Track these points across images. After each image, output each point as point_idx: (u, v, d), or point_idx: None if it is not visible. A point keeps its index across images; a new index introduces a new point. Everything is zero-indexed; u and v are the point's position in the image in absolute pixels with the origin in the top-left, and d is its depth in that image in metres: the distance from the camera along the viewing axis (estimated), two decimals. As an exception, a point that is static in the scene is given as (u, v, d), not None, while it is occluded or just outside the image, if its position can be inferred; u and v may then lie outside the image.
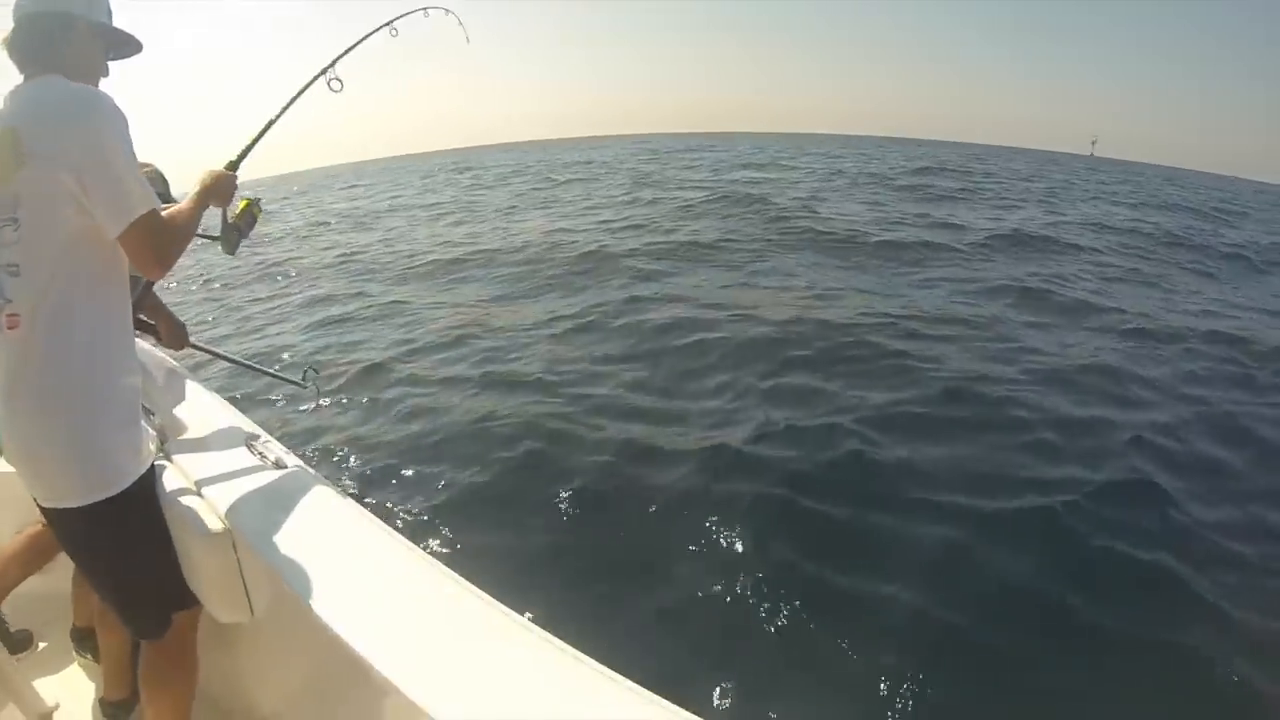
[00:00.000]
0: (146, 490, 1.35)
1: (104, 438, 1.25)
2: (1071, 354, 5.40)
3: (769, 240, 9.70)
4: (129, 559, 1.35)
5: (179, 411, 1.82)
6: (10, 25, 1.23)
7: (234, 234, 1.70)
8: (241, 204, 1.68)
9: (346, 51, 1.94)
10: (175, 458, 1.58)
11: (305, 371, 3.02)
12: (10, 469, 1.30)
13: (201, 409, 1.85)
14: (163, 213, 1.26)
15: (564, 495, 3.24)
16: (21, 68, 1.23)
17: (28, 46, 1.23)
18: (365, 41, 2.02)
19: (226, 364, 2.85)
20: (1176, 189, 27.83)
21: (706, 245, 9.34)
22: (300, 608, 1.12)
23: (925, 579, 2.71)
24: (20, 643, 1.91)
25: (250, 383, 4.83)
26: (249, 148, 1.74)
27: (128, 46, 1.41)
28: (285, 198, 28.87)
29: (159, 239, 1.25)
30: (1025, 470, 3.58)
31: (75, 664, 1.87)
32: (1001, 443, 3.85)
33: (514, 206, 16.07)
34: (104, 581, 1.41)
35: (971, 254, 9.29)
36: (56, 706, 1.67)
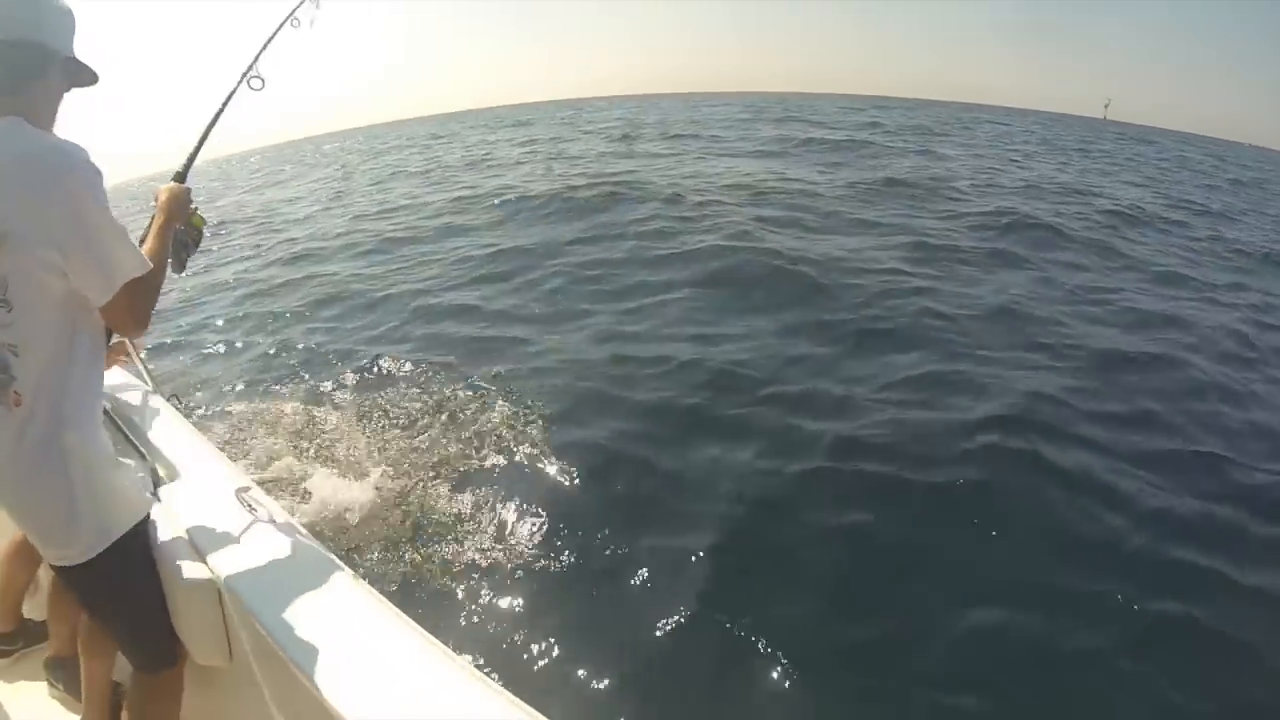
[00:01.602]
0: (144, 534, 1.40)
1: (104, 490, 1.29)
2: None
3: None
4: (139, 596, 1.41)
5: (171, 455, 1.84)
6: None
7: (183, 252, 1.56)
8: (193, 219, 1.56)
9: (260, 52, 1.94)
10: (166, 502, 1.61)
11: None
12: None
13: (193, 454, 1.88)
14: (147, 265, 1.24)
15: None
16: None
17: None
18: (277, 37, 2.05)
19: None
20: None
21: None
22: (279, 659, 1.16)
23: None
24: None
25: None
26: (193, 157, 1.68)
27: (82, 78, 1.28)
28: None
29: (143, 300, 1.25)
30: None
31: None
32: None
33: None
34: (118, 620, 1.46)
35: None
36: None
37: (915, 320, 5.47)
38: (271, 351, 5.68)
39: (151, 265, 1.24)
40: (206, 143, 1.76)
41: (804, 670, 2.36)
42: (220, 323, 6.94)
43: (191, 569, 1.41)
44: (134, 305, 1.22)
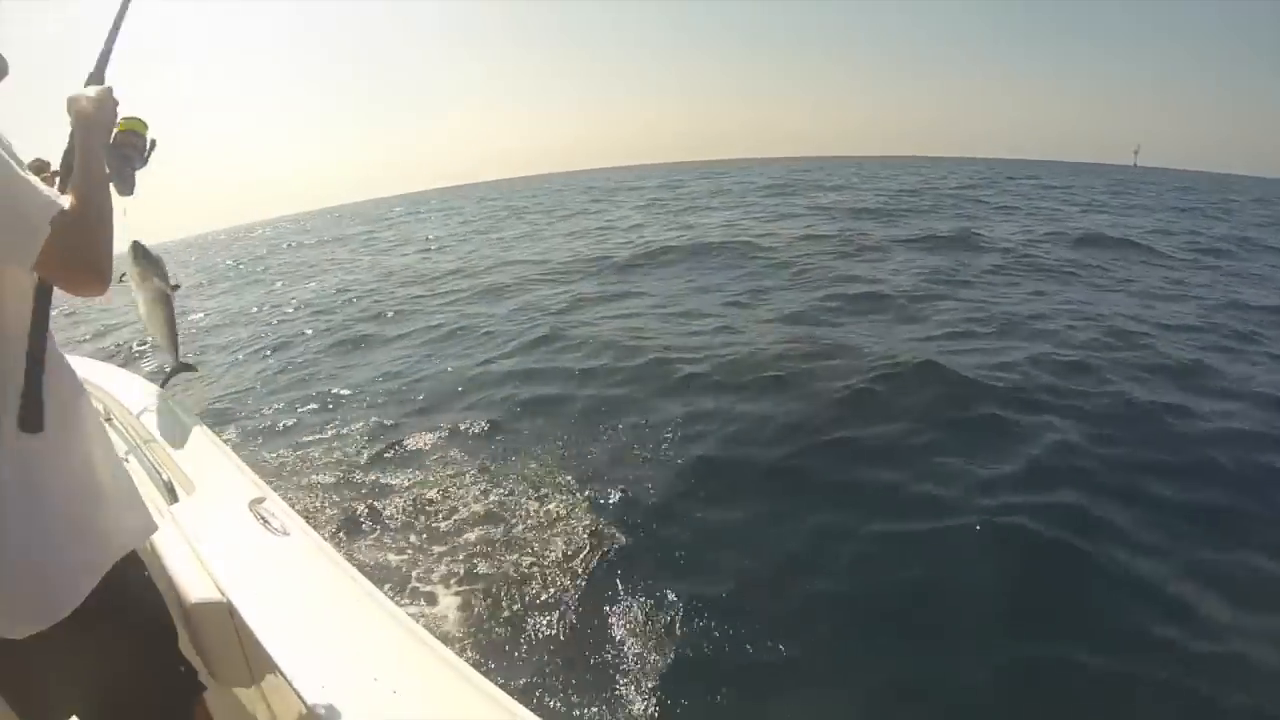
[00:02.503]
0: (126, 573, 1.14)
1: (74, 528, 1.05)
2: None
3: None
4: (130, 654, 1.15)
5: (186, 466, 1.78)
6: None
7: (126, 166, 1.25)
8: (119, 125, 1.22)
9: None
10: (179, 518, 1.55)
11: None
12: None
13: (207, 462, 1.80)
14: (64, 203, 0.96)
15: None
16: None
17: None
18: None
19: None
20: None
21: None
22: (285, 680, 1.09)
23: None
24: None
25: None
26: (106, 52, 1.28)
27: None
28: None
29: (81, 242, 0.96)
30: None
31: None
32: None
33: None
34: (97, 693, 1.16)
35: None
36: None
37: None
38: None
39: (71, 201, 0.97)
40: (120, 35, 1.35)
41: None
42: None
43: (201, 588, 1.34)
44: (71, 252, 0.94)
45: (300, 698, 1.04)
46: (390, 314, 8.87)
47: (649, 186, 34.42)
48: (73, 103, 1.12)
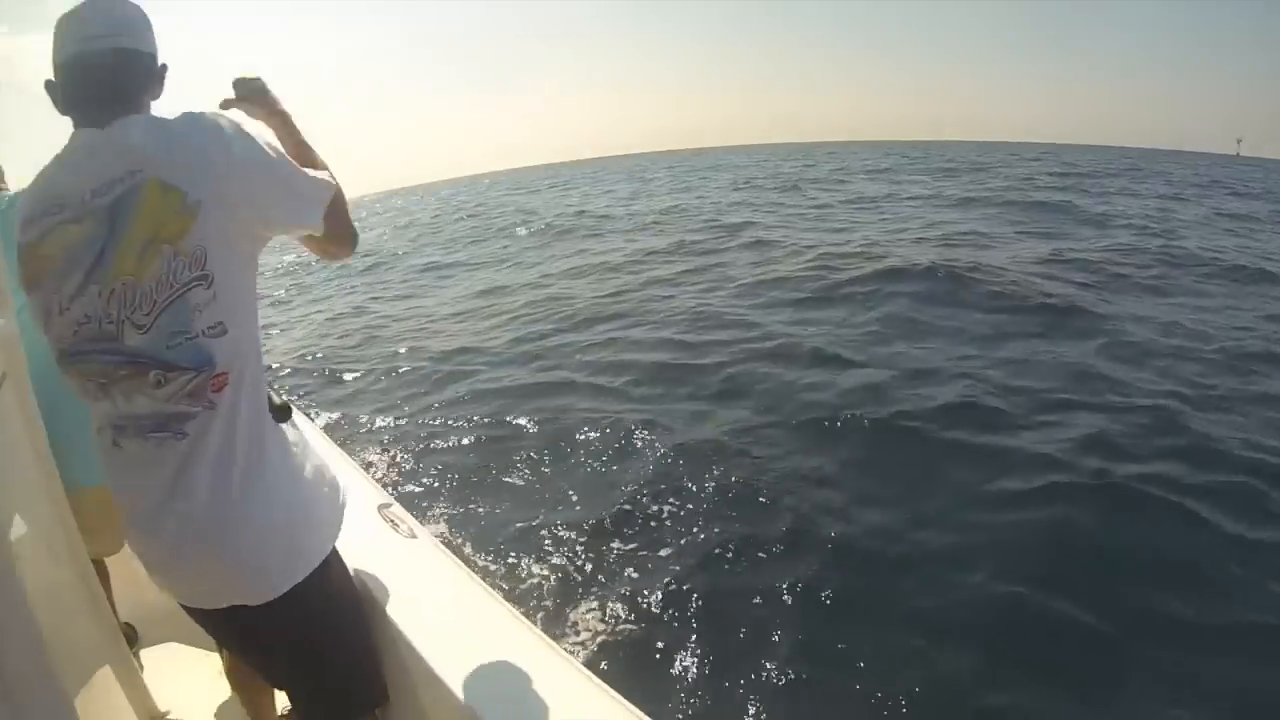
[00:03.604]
0: (340, 567, 1.25)
1: (308, 506, 1.14)
2: None
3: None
4: (333, 637, 1.21)
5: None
6: (75, 57, 1.01)
7: None
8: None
9: None
10: None
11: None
12: None
13: (331, 464, 1.76)
14: (335, 181, 1.15)
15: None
16: (89, 108, 1.02)
17: (118, 85, 1.03)
18: None
19: None
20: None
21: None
22: (431, 679, 1.17)
23: None
24: (128, 637, 1.84)
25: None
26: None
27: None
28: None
29: (345, 212, 1.17)
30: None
31: (181, 673, 1.89)
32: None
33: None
34: (303, 672, 1.24)
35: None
36: (167, 713, 1.70)
37: None
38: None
39: (332, 178, 1.15)
40: None
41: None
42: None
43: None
44: (340, 222, 1.15)
45: (455, 700, 1.11)
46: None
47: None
48: (251, 85, 1.23)
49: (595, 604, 2.78)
